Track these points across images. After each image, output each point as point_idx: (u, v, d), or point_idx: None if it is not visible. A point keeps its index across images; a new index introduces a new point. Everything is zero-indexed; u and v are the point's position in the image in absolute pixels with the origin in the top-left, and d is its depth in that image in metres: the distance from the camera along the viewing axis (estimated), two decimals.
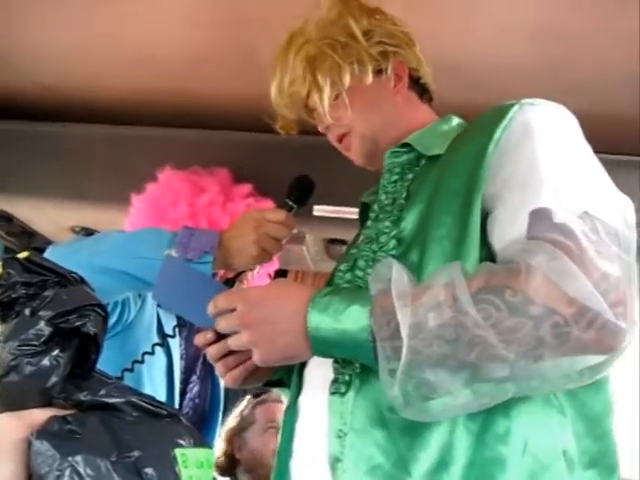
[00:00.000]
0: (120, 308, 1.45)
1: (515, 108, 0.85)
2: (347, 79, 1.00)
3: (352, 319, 0.75)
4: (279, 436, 0.96)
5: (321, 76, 1.00)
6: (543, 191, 0.75)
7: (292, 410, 0.93)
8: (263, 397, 2.16)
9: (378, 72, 1.03)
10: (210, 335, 0.93)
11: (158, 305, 1.57)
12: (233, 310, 0.84)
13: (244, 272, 1.36)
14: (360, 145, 1.05)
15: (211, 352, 0.94)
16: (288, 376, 1.05)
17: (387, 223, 0.90)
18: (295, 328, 0.79)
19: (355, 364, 0.83)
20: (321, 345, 0.78)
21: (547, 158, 0.78)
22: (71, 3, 1.48)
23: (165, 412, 0.69)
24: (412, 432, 0.75)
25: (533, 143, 0.80)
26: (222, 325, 0.85)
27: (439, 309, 0.69)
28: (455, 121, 1.04)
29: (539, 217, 0.73)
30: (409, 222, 0.87)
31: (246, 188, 1.64)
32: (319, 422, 0.84)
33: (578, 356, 0.68)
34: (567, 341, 0.66)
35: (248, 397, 2.20)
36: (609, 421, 0.81)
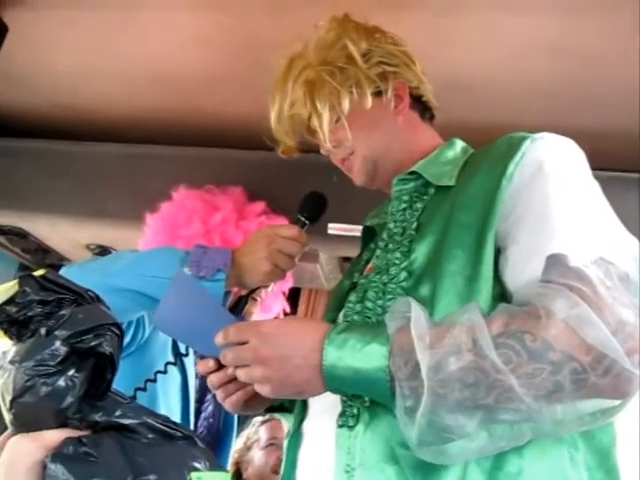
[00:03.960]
0: (134, 327, 1.45)
1: (527, 142, 0.84)
2: (346, 104, 1.00)
3: (370, 358, 0.74)
4: (283, 462, 0.95)
5: (320, 102, 1.01)
6: (557, 234, 0.75)
7: (296, 436, 0.92)
8: (267, 416, 2.16)
9: (378, 94, 1.03)
10: (212, 364, 0.92)
11: None
12: (244, 343, 0.82)
13: (258, 289, 1.35)
14: (361, 166, 1.05)
15: (212, 380, 0.93)
16: (290, 401, 1.04)
17: (397, 254, 0.89)
18: (310, 364, 0.77)
19: (364, 397, 0.81)
20: (336, 382, 0.77)
21: (560, 198, 0.79)
22: (87, 24, 1.50)
23: (180, 434, 0.68)
24: (425, 469, 0.73)
25: (546, 182, 0.80)
26: (230, 358, 0.83)
27: (459, 353, 0.69)
28: (459, 146, 1.03)
29: (554, 261, 0.73)
30: (420, 254, 0.86)
31: (259, 206, 1.64)
32: (324, 453, 0.83)
33: (593, 400, 0.69)
34: (584, 387, 0.67)
35: (256, 418, 2.19)
36: (615, 452, 0.80)
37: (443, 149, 1.02)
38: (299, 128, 1.11)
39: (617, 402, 0.69)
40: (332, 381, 0.77)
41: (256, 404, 0.99)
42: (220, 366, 0.91)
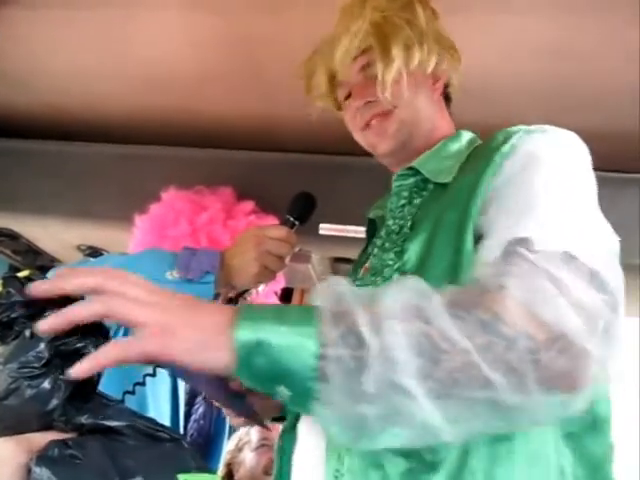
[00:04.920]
0: (123, 330, 1.44)
1: (520, 134, 0.83)
2: (415, 61, 0.97)
3: (293, 330, 0.59)
4: (276, 461, 0.93)
5: (396, 50, 0.96)
6: (531, 222, 0.71)
7: (290, 434, 0.91)
8: None
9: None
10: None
11: None
12: None
13: (248, 291, 1.35)
14: (396, 130, 1.00)
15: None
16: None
17: (391, 255, 0.88)
18: (220, 321, 0.61)
19: None
20: (246, 355, 0.58)
21: (543, 190, 0.75)
22: (79, 23, 1.49)
23: (167, 436, 0.67)
24: (410, 475, 0.72)
25: (534, 173, 0.77)
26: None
27: (405, 320, 0.59)
28: (465, 138, 1.01)
29: (519, 244, 0.68)
30: (412, 254, 0.85)
31: (248, 205, 1.63)
32: (317, 456, 0.81)
33: (547, 385, 0.60)
34: (538, 368, 0.59)
35: None
36: (609, 467, 0.77)
37: (447, 142, 1.00)
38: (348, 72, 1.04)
39: (572, 390, 0.61)
40: (243, 351, 0.58)
41: (263, 412, 0.97)
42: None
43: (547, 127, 0.84)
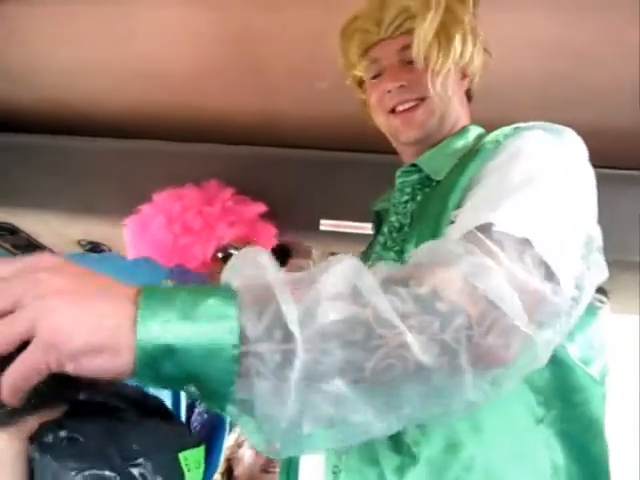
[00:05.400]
0: None
1: (508, 132, 0.83)
2: (467, 56, 0.97)
3: (207, 318, 0.49)
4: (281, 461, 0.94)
5: (457, 42, 0.95)
6: (499, 209, 0.67)
7: None
8: None
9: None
10: None
11: None
12: None
13: None
14: (426, 120, 0.98)
15: None
16: None
17: (392, 254, 0.88)
18: (120, 314, 0.50)
19: None
20: (151, 361, 0.49)
21: (519, 182, 0.71)
22: (77, 18, 1.49)
23: (164, 412, 0.67)
24: (401, 470, 0.73)
25: (513, 166, 0.74)
26: None
27: (334, 301, 0.53)
28: (473, 134, 0.99)
29: (479, 229, 0.65)
30: (409, 255, 0.81)
31: (228, 193, 1.61)
32: (310, 459, 0.83)
33: (478, 362, 0.57)
34: (470, 345, 0.56)
35: None
36: (607, 466, 0.77)
37: (452, 139, 0.98)
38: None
39: (503, 367, 0.59)
40: (144, 358, 0.49)
41: None
42: None
43: (540, 124, 0.82)
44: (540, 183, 0.71)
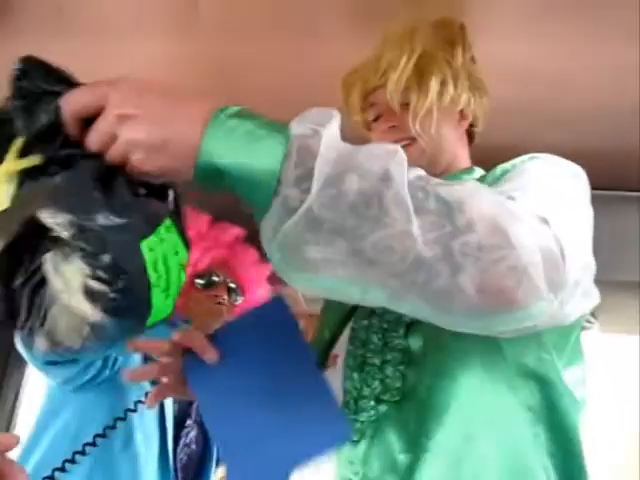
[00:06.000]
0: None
1: (522, 159, 0.85)
2: (447, 99, 1.01)
3: (259, 155, 0.59)
4: None
5: (433, 85, 1.00)
6: (520, 192, 0.70)
7: None
8: None
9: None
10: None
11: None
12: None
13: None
14: (417, 158, 1.01)
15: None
16: None
17: None
18: (187, 144, 0.61)
19: (370, 411, 0.80)
20: (210, 172, 0.61)
21: (541, 183, 0.75)
22: (57, 51, 1.48)
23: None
24: (414, 470, 0.74)
25: (533, 171, 0.79)
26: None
27: (365, 176, 0.58)
28: (479, 173, 1.03)
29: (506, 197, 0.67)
30: None
31: (204, 219, 1.62)
32: (319, 469, 0.82)
33: (479, 289, 0.58)
34: (475, 266, 0.57)
35: None
36: (578, 435, 0.79)
37: (462, 173, 1.03)
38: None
39: (499, 307, 0.60)
40: (205, 170, 0.61)
41: None
42: None
43: (552, 155, 0.85)
44: (558, 186, 0.75)
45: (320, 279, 0.60)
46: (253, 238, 1.60)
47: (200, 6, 1.31)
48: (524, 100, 1.49)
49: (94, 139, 0.62)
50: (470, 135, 1.12)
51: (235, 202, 0.63)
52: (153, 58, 1.51)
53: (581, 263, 0.68)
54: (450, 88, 1.01)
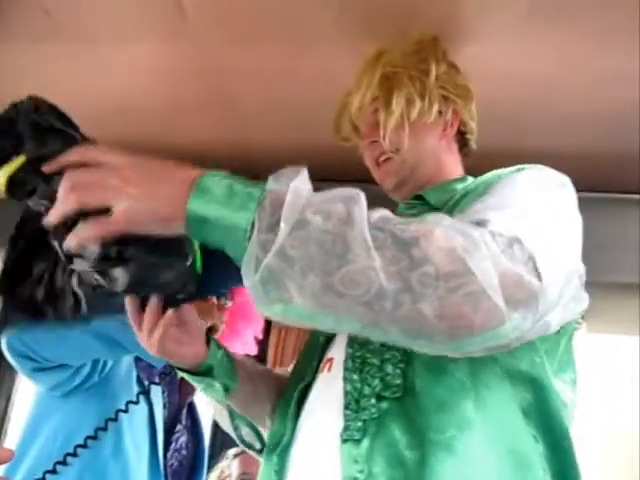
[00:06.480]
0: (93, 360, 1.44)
1: (510, 170, 0.87)
2: (415, 112, 1.07)
3: (236, 206, 0.66)
4: None
5: (396, 103, 1.08)
6: (496, 211, 0.72)
7: (281, 458, 0.89)
8: (240, 450, 2.12)
9: (438, 113, 1.10)
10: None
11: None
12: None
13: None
14: (398, 170, 1.09)
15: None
16: (219, 365, 0.98)
17: None
18: (178, 184, 0.69)
19: (371, 409, 0.80)
20: (194, 218, 0.66)
21: (520, 197, 0.78)
22: (50, 56, 1.49)
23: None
24: (423, 465, 0.74)
25: (514, 187, 0.81)
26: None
27: (329, 218, 0.63)
28: (470, 180, 1.06)
29: (475, 222, 0.70)
30: None
31: None
32: (322, 472, 0.81)
33: (446, 319, 0.62)
34: (434, 295, 0.61)
35: (230, 451, 2.16)
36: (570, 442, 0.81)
37: (454, 181, 1.07)
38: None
39: (458, 334, 0.63)
40: (190, 222, 0.67)
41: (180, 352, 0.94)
42: None
43: (540, 165, 0.87)
44: (541, 199, 0.78)
45: (296, 310, 0.64)
46: None
47: (188, 12, 1.31)
48: (512, 103, 1.50)
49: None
50: (463, 142, 1.16)
51: None
52: (141, 63, 1.50)
53: (562, 275, 0.71)
54: (417, 103, 1.07)
